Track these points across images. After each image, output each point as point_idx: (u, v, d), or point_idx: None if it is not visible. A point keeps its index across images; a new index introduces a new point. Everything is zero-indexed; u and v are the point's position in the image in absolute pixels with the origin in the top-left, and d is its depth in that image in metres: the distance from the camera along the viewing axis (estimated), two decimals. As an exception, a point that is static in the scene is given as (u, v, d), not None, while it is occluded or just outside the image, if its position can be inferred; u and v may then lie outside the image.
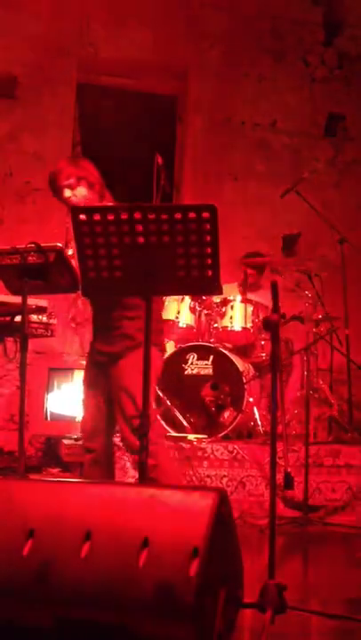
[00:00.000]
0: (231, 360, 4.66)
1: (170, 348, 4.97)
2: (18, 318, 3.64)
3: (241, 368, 4.68)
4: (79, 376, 4.82)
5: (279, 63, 6.79)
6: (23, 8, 6.14)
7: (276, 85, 6.77)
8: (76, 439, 4.39)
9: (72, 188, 3.08)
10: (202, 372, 4.69)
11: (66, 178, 3.08)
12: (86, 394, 3.23)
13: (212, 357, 4.70)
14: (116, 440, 3.28)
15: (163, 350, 3.29)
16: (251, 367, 4.91)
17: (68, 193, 3.08)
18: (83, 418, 3.29)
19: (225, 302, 4.94)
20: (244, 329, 4.91)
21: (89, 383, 3.23)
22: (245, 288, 5.29)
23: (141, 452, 2.42)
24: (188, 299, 4.86)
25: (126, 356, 3.04)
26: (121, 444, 3.19)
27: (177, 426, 4.58)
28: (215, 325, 4.94)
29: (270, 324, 2.32)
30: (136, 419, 2.94)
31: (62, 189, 3.09)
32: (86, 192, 3.09)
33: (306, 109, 6.85)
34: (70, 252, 2.94)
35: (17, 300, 3.29)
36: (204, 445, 4.37)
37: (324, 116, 6.91)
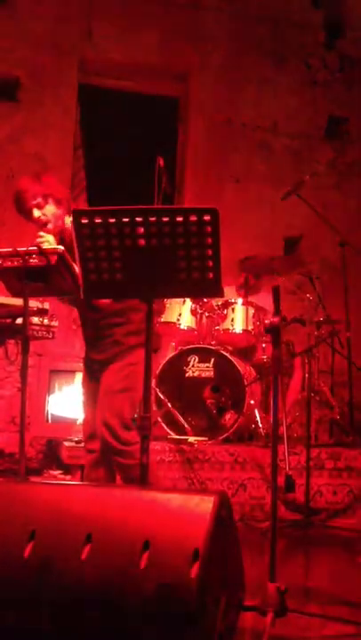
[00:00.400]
0: (232, 362, 4.66)
1: (171, 350, 4.98)
2: (19, 320, 3.65)
3: (242, 370, 4.67)
4: (80, 378, 4.83)
5: (280, 66, 6.80)
6: (25, 10, 6.15)
7: (277, 88, 6.77)
8: (77, 441, 4.39)
9: (40, 207, 3.09)
10: (203, 375, 4.69)
11: (33, 197, 3.09)
12: (85, 397, 3.29)
13: (213, 360, 4.70)
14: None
15: (155, 349, 3.32)
16: (252, 370, 4.91)
17: (37, 213, 3.10)
18: (84, 419, 3.32)
19: (226, 305, 4.95)
20: (246, 331, 4.92)
21: (87, 388, 3.30)
22: (247, 291, 5.30)
23: (142, 453, 2.42)
24: (189, 301, 4.86)
25: (115, 360, 3.12)
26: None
27: (178, 428, 4.58)
28: (216, 328, 4.94)
29: (271, 327, 2.32)
30: (122, 431, 3.01)
31: (31, 210, 3.09)
32: (55, 209, 3.11)
33: (307, 112, 6.85)
34: (61, 247, 2.95)
35: (18, 302, 3.29)
36: (205, 447, 4.37)
37: (325, 118, 6.92)
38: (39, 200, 3.09)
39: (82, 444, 4.31)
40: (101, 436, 3.06)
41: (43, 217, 3.09)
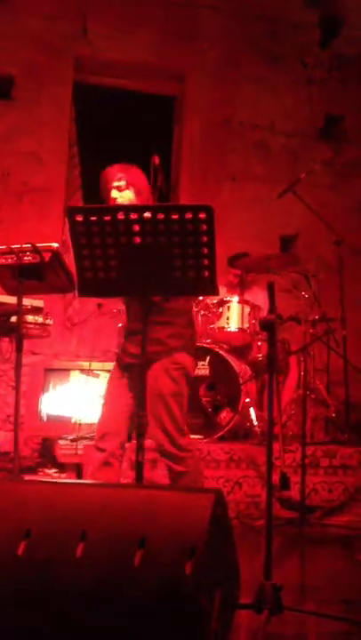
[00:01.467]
0: (228, 361, 4.66)
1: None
2: (13, 318, 3.64)
3: (237, 369, 4.67)
4: (75, 377, 4.82)
5: (277, 65, 6.80)
6: (21, 7, 6.13)
7: (273, 87, 6.77)
8: (72, 440, 4.38)
9: (120, 190, 3.12)
10: (198, 373, 4.67)
11: (117, 180, 3.13)
12: (109, 394, 3.21)
13: (208, 358, 4.69)
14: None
15: (196, 355, 3.27)
16: (247, 368, 4.91)
17: (115, 194, 3.12)
18: (100, 417, 3.26)
19: (222, 303, 4.94)
20: (241, 330, 4.92)
21: (114, 384, 3.20)
22: (242, 288, 5.30)
23: (138, 451, 2.42)
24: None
25: (159, 359, 3.05)
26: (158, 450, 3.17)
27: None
28: (212, 326, 4.94)
29: (267, 325, 2.32)
30: (178, 436, 2.99)
31: (110, 190, 3.13)
32: (133, 197, 3.12)
33: (304, 111, 6.85)
34: (55, 245, 2.95)
35: (12, 300, 3.29)
36: (200, 445, 4.37)
37: (322, 117, 6.92)
38: (122, 183, 3.13)
39: (76, 443, 4.32)
40: (157, 441, 3.03)
41: (119, 199, 3.11)
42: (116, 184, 3.12)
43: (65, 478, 4.29)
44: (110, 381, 3.24)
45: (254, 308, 4.99)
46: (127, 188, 3.12)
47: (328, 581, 3.17)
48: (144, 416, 2.45)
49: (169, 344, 3.07)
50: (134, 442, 3.00)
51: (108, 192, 3.13)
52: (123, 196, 3.11)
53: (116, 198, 3.12)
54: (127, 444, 3.17)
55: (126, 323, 3.23)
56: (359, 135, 6.94)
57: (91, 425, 4.54)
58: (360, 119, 6.94)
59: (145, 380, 2.50)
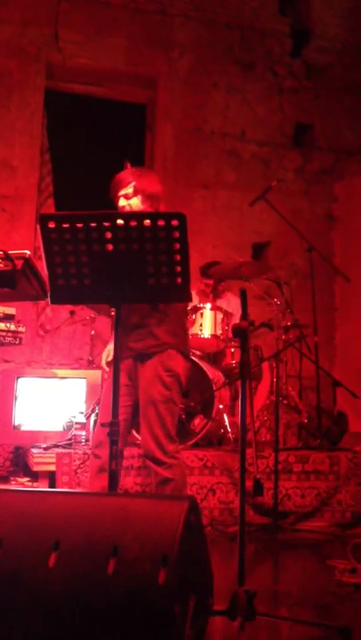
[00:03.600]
0: (201, 367, 4.66)
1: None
2: (-15, 326, 3.61)
3: (211, 375, 4.68)
4: (47, 385, 4.79)
5: (248, 73, 6.86)
6: (-8, 14, 6.11)
7: (244, 95, 6.83)
8: (44, 448, 4.35)
9: (127, 197, 3.12)
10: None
11: (124, 187, 3.12)
12: (104, 400, 3.17)
13: (181, 365, 4.69)
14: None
15: (189, 359, 3.27)
16: (220, 374, 4.92)
17: (122, 202, 3.12)
18: (96, 424, 3.26)
19: (195, 310, 4.96)
20: (214, 336, 4.93)
21: (109, 390, 3.19)
22: (215, 296, 5.32)
23: (111, 460, 2.41)
24: (157, 306, 4.85)
25: (152, 356, 3.06)
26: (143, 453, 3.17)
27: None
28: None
29: (239, 331, 2.33)
30: (167, 442, 3.00)
31: (118, 198, 3.13)
32: (140, 204, 3.11)
33: (274, 119, 6.92)
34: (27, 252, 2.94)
35: (-16, 307, 3.25)
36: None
37: (293, 125, 7.00)
38: (129, 191, 3.11)
39: (49, 451, 4.29)
40: (145, 446, 3.04)
41: (127, 207, 3.10)
42: (123, 192, 3.12)
43: (38, 487, 4.25)
44: (106, 386, 3.23)
45: (227, 314, 5.02)
46: (135, 194, 3.12)
47: (301, 587, 3.19)
48: (117, 423, 2.44)
49: (162, 338, 3.07)
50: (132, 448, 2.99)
51: (117, 200, 3.14)
52: (130, 203, 3.11)
53: (123, 207, 3.12)
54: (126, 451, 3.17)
55: (125, 320, 3.18)
56: (329, 143, 7.04)
57: (62, 433, 4.52)
58: (330, 127, 7.04)
59: (117, 388, 2.49)
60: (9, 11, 6.17)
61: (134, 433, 4.58)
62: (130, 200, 3.11)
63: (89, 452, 3.78)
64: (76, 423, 4.41)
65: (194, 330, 4.93)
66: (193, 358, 4.70)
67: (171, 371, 3.08)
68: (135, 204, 3.11)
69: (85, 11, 6.36)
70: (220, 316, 4.97)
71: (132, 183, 3.11)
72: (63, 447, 4.32)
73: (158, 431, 3.01)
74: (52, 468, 4.21)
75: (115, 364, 2.49)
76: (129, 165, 4.68)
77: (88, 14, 6.36)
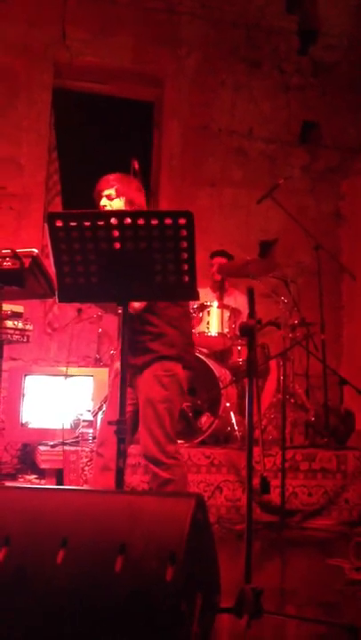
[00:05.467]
0: (208, 365, 4.66)
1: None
2: (-7, 324, 3.62)
3: (218, 373, 4.69)
4: (55, 382, 4.80)
5: (255, 71, 6.85)
6: (-1, 13, 6.12)
7: (251, 93, 6.82)
8: (52, 445, 4.36)
9: (110, 198, 3.15)
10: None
11: (109, 188, 3.16)
12: (110, 399, 3.23)
13: (188, 363, 4.69)
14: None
15: (190, 367, 3.28)
16: (227, 372, 4.92)
17: (104, 201, 3.16)
18: (101, 422, 3.28)
19: (202, 308, 4.96)
20: (221, 334, 4.93)
21: (115, 389, 3.22)
22: (222, 293, 5.32)
23: (118, 457, 2.41)
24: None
25: (148, 367, 3.09)
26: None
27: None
28: (192, 331, 4.94)
29: (247, 330, 2.33)
30: (166, 442, 3.00)
31: (101, 198, 3.17)
32: (122, 206, 3.14)
33: (281, 117, 6.91)
34: (35, 250, 2.96)
35: (-8, 305, 3.27)
36: (181, 450, 4.37)
37: (300, 123, 6.98)
38: (112, 192, 3.15)
39: (57, 448, 4.31)
40: (144, 447, 3.05)
41: (107, 207, 3.15)
42: (106, 192, 3.16)
43: (45, 484, 4.27)
44: (112, 385, 3.26)
45: (234, 311, 5.01)
46: (117, 196, 3.15)
47: (307, 584, 3.19)
48: (124, 421, 2.45)
49: (158, 350, 3.10)
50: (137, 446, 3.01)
51: (99, 199, 3.18)
52: (112, 204, 3.14)
53: (105, 206, 3.15)
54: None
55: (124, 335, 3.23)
56: (335, 141, 7.02)
57: (69, 431, 4.53)
58: (336, 125, 7.02)
59: (125, 385, 2.50)
60: (16, 9, 6.18)
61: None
62: (112, 201, 3.15)
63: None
64: (84, 421, 4.42)
65: (201, 328, 4.93)
66: (200, 356, 4.70)
67: (169, 370, 3.08)
68: (117, 205, 3.14)
69: (92, 9, 6.37)
70: (226, 314, 4.97)
71: (115, 185, 3.16)
72: (70, 445, 4.33)
73: (157, 431, 3.01)
74: (60, 465, 4.22)
75: (122, 359, 2.49)
76: (136, 163, 4.69)
77: (95, 12, 6.36)
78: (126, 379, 2.48)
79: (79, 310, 5.55)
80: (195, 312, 4.96)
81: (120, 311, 2.54)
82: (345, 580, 3.01)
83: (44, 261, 2.94)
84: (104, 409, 3.93)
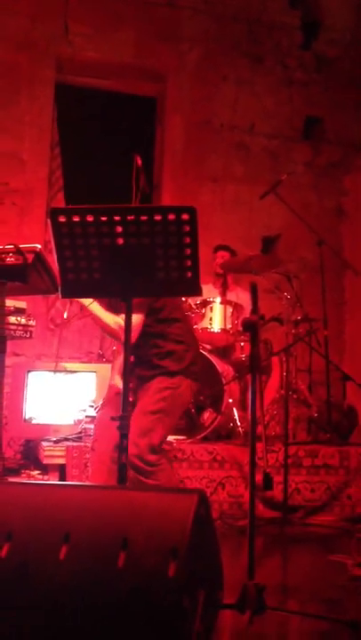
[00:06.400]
0: (211, 361, 4.66)
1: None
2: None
3: (220, 369, 4.68)
4: (58, 378, 4.80)
5: (258, 66, 6.83)
6: (2, 7, 6.10)
7: (254, 88, 6.80)
8: (55, 441, 4.37)
9: None
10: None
11: None
12: (107, 396, 3.30)
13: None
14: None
15: (197, 379, 3.33)
16: (230, 368, 4.92)
17: None
18: (96, 420, 3.34)
19: (205, 304, 4.95)
20: (224, 330, 4.93)
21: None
22: (225, 289, 5.31)
23: (121, 453, 2.41)
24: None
25: (153, 380, 3.17)
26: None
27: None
28: (195, 327, 4.94)
29: (249, 325, 2.33)
30: (147, 452, 3.04)
31: None
32: None
33: (284, 112, 6.89)
34: (38, 246, 2.96)
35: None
36: (183, 446, 4.37)
37: (302, 118, 6.96)
38: None
39: (59, 444, 4.31)
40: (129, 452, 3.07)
41: None
42: None
43: (48, 480, 4.27)
44: (107, 403, 3.31)
45: (237, 307, 5.01)
46: None
47: (310, 580, 3.19)
48: (127, 417, 2.45)
49: (164, 365, 3.18)
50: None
51: None
52: None
53: None
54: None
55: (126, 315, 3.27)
56: (338, 136, 7.00)
57: (72, 426, 4.53)
58: (339, 120, 7.00)
59: (127, 378, 2.50)
60: (18, 4, 6.17)
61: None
62: None
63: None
64: (86, 417, 4.42)
65: (203, 324, 4.93)
66: (203, 352, 4.70)
67: (172, 385, 3.15)
68: None
69: (94, 4, 6.35)
70: (229, 309, 4.97)
71: None
72: (73, 440, 4.34)
73: (140, 440, 3.04)
74: (63, 461, 4.22)
75: (125, 351, 2.49)
76: (139, 159, 4.68)
77: (97, 8, 6.35)
78: (129, 366, 2.48)
79: (82, 307, 5.54)
80: (197, 308, 4.95)
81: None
82: (348, 576, 3.01)
83: (47, 257, 2.93)
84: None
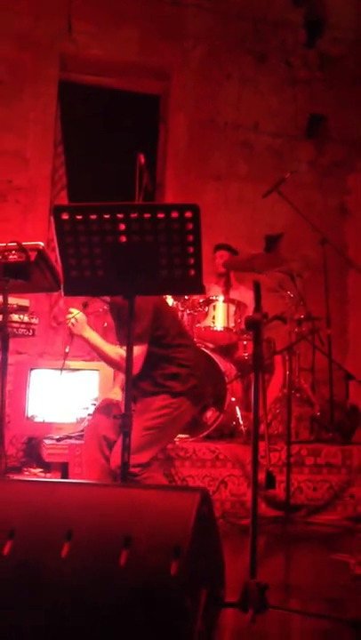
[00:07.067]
0: (213, 360, 4.66)
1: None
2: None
3: (223, 368, 4.68)
4: (61, 376, 4.80)
5: (262, 64, 6.81)
6: (5, 5, 6.10)
7: (258, 87, 6.79)
8: (57, 439, 4.37)
9: None
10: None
11: None
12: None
13: (194, 357, 4.68)
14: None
15: (199, 402, 3.37)
16: (233, 367, 4.91)
17: None
18: (90, 420, 3.38)
19: (208, 302, 4.95)
20: (227, 329, 4.92)
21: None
22: (228, 288, 5.31)
23: (124, 451, 2.41)
24: (170, 298, 4.85)
25: (156, 395, 3.22)
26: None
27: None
28: (197, 325, 4.94)
29: (253, 324, 2.32)
30: (133, 467, 3.00)
31: None
32: None
33: (288, 111, 6.88)
34: (41, 243, 2.97)
35: (-2, 299, 3.25)
36: (186, 444, 4.37)
37: (306, 117, 6.95)
38: None
39: (62, 442, 4.31)
40: (114, 459, 3.11)
41: None
42: None
43: (51, 478, 4.28)
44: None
45: (240, 305, 5.00)
46: None
47: (312, 579, 3.19)
48: (129, 415, 2.45)
49: (168, 385, 3.23)
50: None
51: None
52: None
53: None
54: None
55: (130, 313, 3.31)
56: (342, 134, 6.98)
57: (74, 424, 4.53)
58: (343, 119, 6.98)
59: (130, 377, 2.50)
60: (22, 2, 6.16)
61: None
62: None
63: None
64: (89, 415, 4.42)
65: (206, 322, 4.92)
66: (205, 351, 4.70)
67: (173, 404, 3.20)
68: None
69: (98, 2, 6.34)
70: (232, 308, 4.96)
71: None
72: (76, 438, 4.33)
73: (130, 455, 3.04)
74: (65, 459, 4.22)
75: (127, 350, 2.49)
76: (142, 157, 4.67)
77: (101, 5, 6.34)
78: (131, 364, 2.48)
79: (85, 304, 5.54)
80: (200, 306, 4.95)
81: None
82: (350, 575, 3.01)
83: (49, 255, 2.94)
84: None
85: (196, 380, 3.33)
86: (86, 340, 3.16)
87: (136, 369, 3.06)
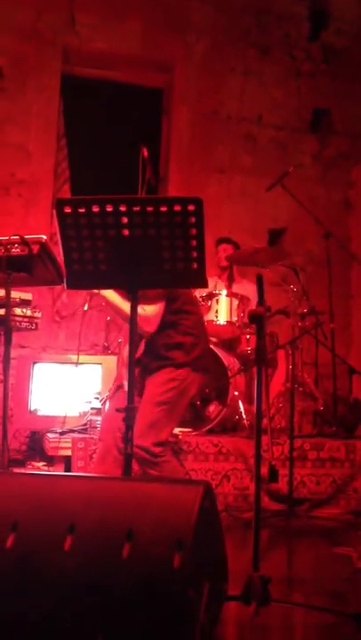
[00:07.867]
0: (216, 354, 4.66)
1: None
2: (1, 311, 3.62)
3: (226, 362, 4.68)
4: (63, 370, 4.81)
5: (265, 57, 6.79)
6: (8, -2, 6.08)
7: (262, 79, 6.76)
8: (60, 433, 4.37)
9: None
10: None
11: None
12: (115, 388, 3.33)
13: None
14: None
15: (205, 371, 3.35)
16: (236, 361, 4.91)
17: None
18: (104, 412, 3.38)
19: (210, 296, 4.94)
20: (229, 323, 4.92)
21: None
22: (231, 282, 5.30)
23: (126, 443, 2.41)
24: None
25: (160, 370, 3.19)
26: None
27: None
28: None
29: (256, 317, 2.32)
30: (151, 444, 3.06)
31: None
32: None
33: (292, 103, 6.85)
34: (44, 237, 2.96)
35: (0, 292, 3.26)
36: (189, 438, 4.37)
37: (310, 110, 6.92)
38: None
39: (65, 435, 4.32)
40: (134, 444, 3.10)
41: None
42: None
43: (53, 471, 4.28)
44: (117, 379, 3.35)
45: (243, 299, 4.99)
46: None
47: (315, 573, 3.19)
48: (133, 408, 2.44)
49: (171, 356, 3.19)
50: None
51: None
52: None
53: None
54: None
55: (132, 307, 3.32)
56: (345, 127, 6.95)
57: (77, 418, 4.54)
58: (347, 112, 6.95)
59: (133, 368, 2.50)
60: (25, -4, 6.14)
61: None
62: None
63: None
64: (92, 408, 4.42)
65: (209, 316, 4.92)
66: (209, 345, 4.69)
67: (178, 377, 3.17)
68: None
69: (102, -6, 6.32)
70: (235, 302, 4.96)
71: None
72: (79, 432, 4.34)
73: (145, 431, 3.05)
74: (68, 452, 4.23)
75: (130, 342, 2.49)
76: (145, 150, 4.65)
77: (105, -2, 6.32)
78: (134, 357, 2.48)
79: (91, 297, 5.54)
80: (203, 300, 4.94)
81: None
82: (352, 568, 3.01)
83: (52, 248, 2.93)
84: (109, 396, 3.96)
85: (201, 350, 3.29)
86: (104, 298, 3.13)
87: (153, 326, 3.08)
